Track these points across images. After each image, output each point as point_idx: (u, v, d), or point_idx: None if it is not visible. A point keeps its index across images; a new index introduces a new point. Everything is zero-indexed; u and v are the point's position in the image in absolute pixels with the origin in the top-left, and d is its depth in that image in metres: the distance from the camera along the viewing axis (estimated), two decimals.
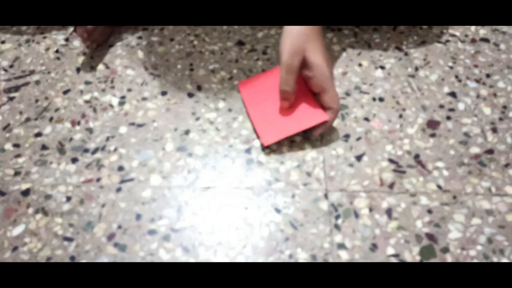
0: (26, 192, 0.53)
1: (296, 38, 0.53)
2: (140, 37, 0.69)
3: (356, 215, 0.50)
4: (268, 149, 0.55)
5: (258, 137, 0.56)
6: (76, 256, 0.48)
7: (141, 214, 0.51)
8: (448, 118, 0.58)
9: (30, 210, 0.51)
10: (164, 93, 0.61)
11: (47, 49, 0.68)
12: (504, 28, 0.69)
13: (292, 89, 0.53)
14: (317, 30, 0.54)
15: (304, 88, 0.57)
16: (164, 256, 0.48)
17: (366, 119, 0.58)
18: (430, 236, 0.49)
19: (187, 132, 0.57)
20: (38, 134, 0.58)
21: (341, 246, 0.48)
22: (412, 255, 0.47)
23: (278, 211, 0.51)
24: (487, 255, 0.47)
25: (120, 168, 0.54)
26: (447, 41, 0.67)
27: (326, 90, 0.53)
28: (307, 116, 0.55)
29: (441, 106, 0.59)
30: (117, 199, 0.52)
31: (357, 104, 0.59)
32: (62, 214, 0.51)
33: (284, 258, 0.47)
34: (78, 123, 0.59)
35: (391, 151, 0.55)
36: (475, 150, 0.55)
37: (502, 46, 0.66)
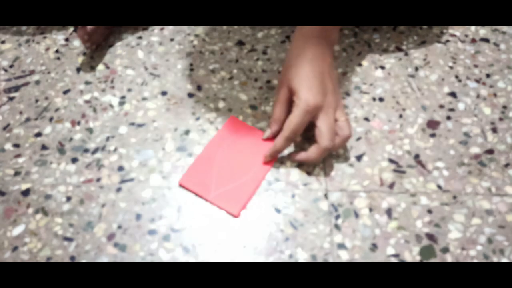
0: (26, 192, 0.53)
1: (283, 69, 0.53)
2: (140, 37, 0.69)
3: (356, 215, 0.50)
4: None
5: (226, 211, 0.51)
6: (76, 256, 0.48)
7: (141, 214, 0.51)
8: (448, 118, 0.58)
9: (30, 210, 0.51)
10: (164, 93, 0.61)
11: (47, 49, 0.68)
12: (504, 28, 0.69)
13: (279, 118, 0.53)
14: (311, 55, 0.51)
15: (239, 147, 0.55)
16: (164, 256, 0.48)
17: (366, 119, 0.58)
18: (430, 236, 0.49)
19: (187, 132, 0.57)
20: (38, 134, 0.58)
21: (341, 246, 0.48)
22: (412, 255, 0.47)
23: (278, 211, 0.51)
24: (487, 255, 0.47)
25: (120, 168, 0.54)
26: (447, 41, 0.67)
27: (315, 123, 0.50)
28: (254, 171, 0.53)
29: (441, 106, 0.59)
30: (117, 199, 0.52)
31: (357, 104, 0.59)
32: (62, 214, 0.51)
33: (284, 258, 0.47)
34: (78, 123, 0.59)
35: (391, 151, 0.55)
36: (475, 150, 0.55)
37: (502, 46, 0.66)
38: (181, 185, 0.52)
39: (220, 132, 0.56)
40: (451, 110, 0.59)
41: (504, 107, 0.59)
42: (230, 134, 0.54)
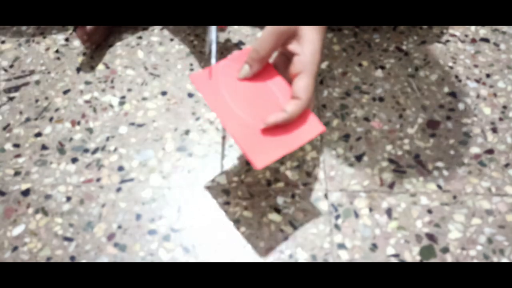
0: (26, 192, 0.53)
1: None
2: (140, 37, 0.69)
3: (356, 215, 0.50)
4: None
5: (245, 155, 0.44)
6: (76, 256, 0.48)
7: (141, 214, 0.51)
8: (448, 118, 0.58)
9: (30, 210, 0.51)
10: (164, 93, 0.61)
11: (47, 49, 0.68)
12: (504, 28, 0.69)
13: (264, 55, 0.45)
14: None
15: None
16: (164, 256, 0.48)
17: (366, 119, 0.58)
18: (430, 236, 0.49)
19: (187, 132, 0.57)
20: (38, 134, 0.58)
21: (341, 246, 0.48)
22: (412, 255, 0.47)
23: (278, 211, 0.51)
24: (487, 255, 0.47)
25: (120, 168, 0.54)
26: (447, 41, 0.67)
27: (304, 75, 0.43)
28: (301, 129, 0.45)
29: (441, 106, 0.59)
30: (117, 199, 0.52)
31: (357, 104, 0.59)
32: (62, 214, 0.51)
33: (284, 258, 0.47)
34: (78, 123, 0.59)
35: (391, 151, 0.55)
36: (475, 150, 0.55)
37: (502, 46, 0.66)
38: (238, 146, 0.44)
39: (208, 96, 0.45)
40: (451, 110, 0.59)
41: (504, 107, 0.59)
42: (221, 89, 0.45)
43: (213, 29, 0.48)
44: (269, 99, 0.46)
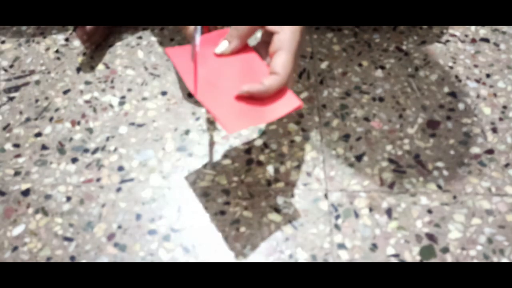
0: (26, 192, 0.53)
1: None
2: (140, 37, 0.69)
3: (356, 215, 0.50)
4: (268, 149, 0.55)
5: (215, 119, 0.42)
6: (76, 256, 0.48)
7: (141, 214, 0.51)
8: (448, 118, 0.58)
9: (30, 210, 0.51)
10: (164, 93, 0.61)
11: (47, 49, 0.68)
12: (504, 28, 0.69)
13: (243, 33, 0.45)
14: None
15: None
16: (164, 256, 0.48)
17: (366, 119, 0.58)
18: (430, 236, 0.49)
19: (187, 132, 0.57)
20: (38, 134, 0.58)
21: (341, 246, 0.48)
22: (412, 255, 0.47)
23: (278, 211, 0.51)
24: (487, 255, 0.47)
25: (120, 168, 0.54)
26: (447, 41, 0.67)
27: (283, 51, 0.43)
28: (278, 103, 0.44)
29: (441, 106, 0.59)
30: (117, 199, 0.52)
31: (357, 104, 0.59)
32: (62, 214, 0.51)
33: (284, 258, 0.47)
34: (78, 123, 0.59)
35: (391, 151, 0.55)
36: (475, 150, 0.55)
37: (502, 46, 0.66)
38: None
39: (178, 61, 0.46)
40: (451, 110, 0.59)
41: (504, 107, 0.59)
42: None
43: (198, 29, 0.49)
44: (247, 75, 0.46)
